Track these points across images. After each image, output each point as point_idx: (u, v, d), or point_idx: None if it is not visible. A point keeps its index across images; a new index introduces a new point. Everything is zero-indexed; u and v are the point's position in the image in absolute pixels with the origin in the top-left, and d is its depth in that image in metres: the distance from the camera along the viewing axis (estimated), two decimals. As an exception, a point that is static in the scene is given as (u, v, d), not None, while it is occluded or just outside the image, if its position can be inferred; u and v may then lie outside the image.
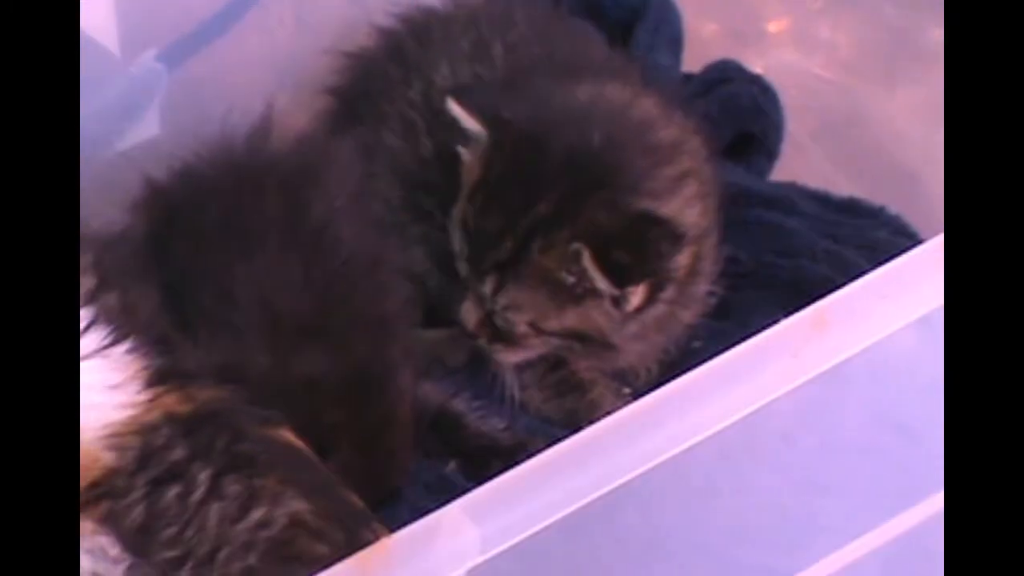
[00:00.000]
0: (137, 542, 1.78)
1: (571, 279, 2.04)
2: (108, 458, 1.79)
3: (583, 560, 1.63)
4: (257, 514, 1.81)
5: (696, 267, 2.11)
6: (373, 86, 2.22)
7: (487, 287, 2.06)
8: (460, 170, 2.05)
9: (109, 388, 1.83)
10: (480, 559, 1.49)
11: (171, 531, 1.79)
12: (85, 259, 1.90)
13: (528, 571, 1.58)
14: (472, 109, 2.04)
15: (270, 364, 2.02)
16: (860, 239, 2.20)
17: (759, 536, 1.77)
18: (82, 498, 1.74)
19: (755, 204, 2.31)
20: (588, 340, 2.08)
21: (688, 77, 2.49)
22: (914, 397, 1.76)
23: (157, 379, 1.86)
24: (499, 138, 2.07)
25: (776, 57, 2.44)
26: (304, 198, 2.13)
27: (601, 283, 2.03)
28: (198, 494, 1.81)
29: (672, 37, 2.44)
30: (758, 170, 2.44)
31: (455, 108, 2.01)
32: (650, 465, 1.55)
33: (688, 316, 2.14)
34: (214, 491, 1.81)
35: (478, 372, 2.11)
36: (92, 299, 1.90)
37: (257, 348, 2.02)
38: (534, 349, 2.09)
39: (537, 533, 1.51)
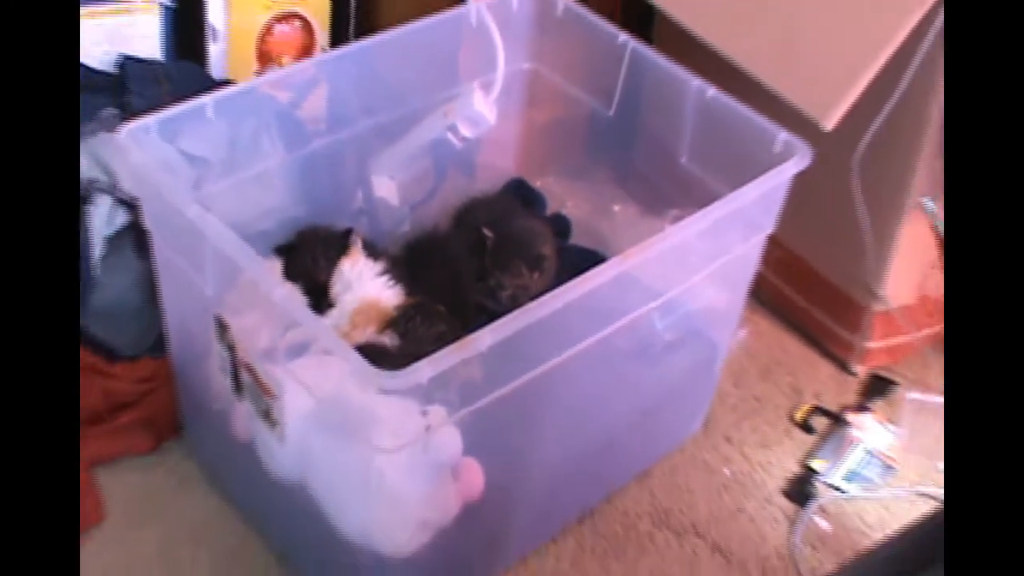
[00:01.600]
0: (400, 336, 1.92)
1: (524, 270, 2.11)
2: (393, 312, 1.96)
3: (534, 344, 1.68)
4: (434, 329, 1.94)
5: (550, 266, 2.15)
6: (466, 216, 2.23)
7: (499, 274, 2.11)
8: (487, 245, 2.11)
9: (394, 295, 1.99)
10: (489, 343, 1.58)
11: (409, 333, 1.92)
12: (385, 261, 2.04)
13: (507, 350, 1.61)
14: (488, 229, 2.13)
15: (440, 293, 2.05)
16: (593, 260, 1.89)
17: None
18: (383, 325, 1.95)
19: (566, 251, 2.25)
20: (526, 286, 2.11)
21: (550, 216, 2.37)
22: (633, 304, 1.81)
23: (406, 293, 1.99)
24: (496, 237, 2.12)
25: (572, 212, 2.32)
26: (449, 244, 2.16)
27: (526, 271, 2.10)
28: (417, 323, 1.94)
29: (543, 205, 2.38)
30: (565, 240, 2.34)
31: (485, 230, 2.11)
32: (558, 307, 1.62)
33: (548, 279, 2.12)
34: (422, 324, 1.95)
35: (495, 294, 2.11)
36: (386, 272, 2.00)
37: (437, 289, 2.06)
38: (512, 289, 2.10)
39: (509, 336, 1.60)
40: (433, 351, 1.56)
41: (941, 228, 1.31)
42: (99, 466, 2.01)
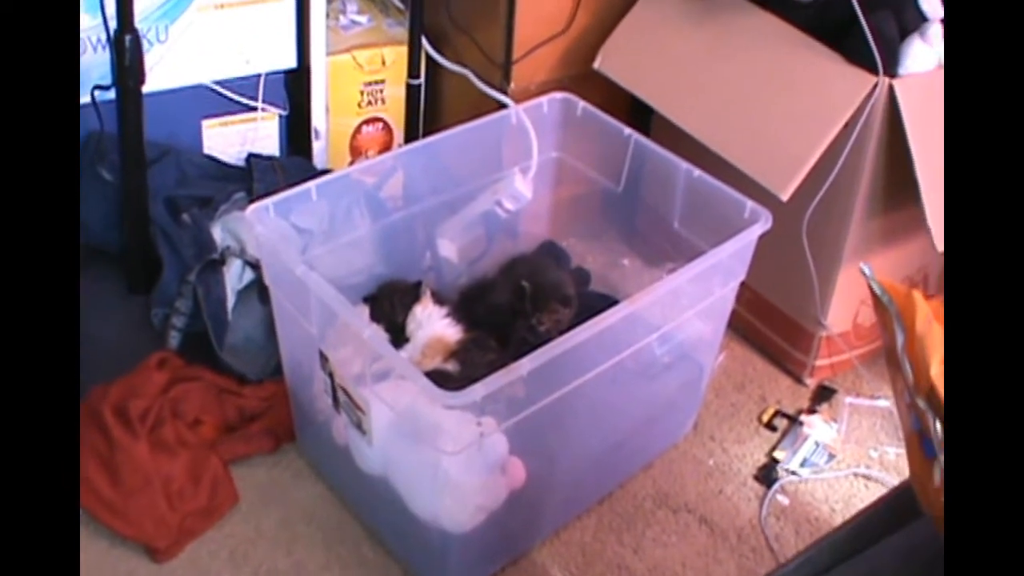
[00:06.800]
0: (460, 363, 1.84)
1: (558, 307, 1.96)
2: (455, 345, 1.88)
3: (563, 368, 1.60)
4: (487, 357, 1.85)
5: (575, 303, 2.00)
6: (511, 269, 2.09)
7: (539, 313, 1.96)
8: (527, 293, 1.96)
9: (456, 332, 1.90)
10: (529, 368, 1.53)
11: (468, 361, 1.84)
12: (448, 306, 1.95)
13: (542, 373, 1.56)
14: (527, 281, 1.98)
15: (490, 329, 1.95)
16: (607, 303, 1.85)
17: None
18: (447, 355, 1.85)
19: (586, 296, 2.15)
20: (560, 319, 1.95)
21: (574, 269, 2.24)
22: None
23: (465, 330, 1.90)
24: (534, 286, 1.96)
25: (590, 265, 2.25)
26: (496, 292, 2.02)
27: (561, 308, 1.97)
28: (473, 353, 1.86)
29: (569, 261, 2.24)
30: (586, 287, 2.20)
31: (524, 283, 1.96)
32: (581, 339, 1.57)
33: (574, 313, 1.97)
34: (477, 353, 1.86)
35: (535, 329, 1.94)
36: (449, 315, 1.94)
37: (488, 326, 1.96)
38: (549, 324, 1.95)
39: (544, 363, 1.56)
40: (486, 375, 1.52)
41: (875, 286, 1.23)
42: (235, 463, 1.97)
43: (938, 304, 1.20)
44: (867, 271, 1.29)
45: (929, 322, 1.19)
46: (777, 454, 2.12)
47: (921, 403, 1.17)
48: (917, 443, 1.24)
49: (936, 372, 1.15)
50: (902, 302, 1.22)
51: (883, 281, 1.25)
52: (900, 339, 1.21)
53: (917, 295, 1.22)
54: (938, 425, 1.13)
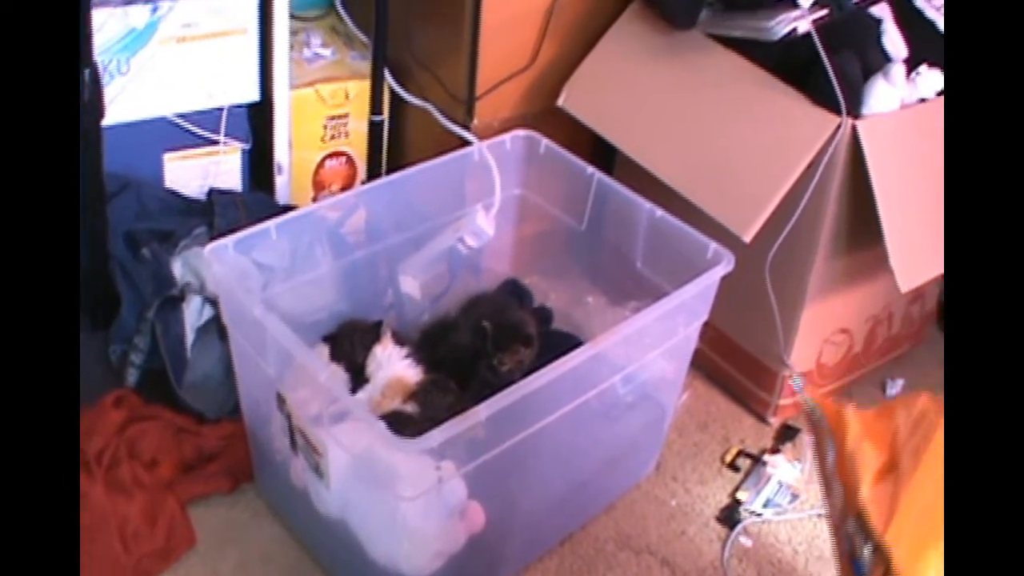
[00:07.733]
0: (420, 405, 1.80)
1: (520, 348, 1.93)
2: (415, 387, 1.84)
3: (525, 412, 1.60)
4: (447, 399, 1.81)
5: (537, 342, 1.97)
6: (472, 308, 2.07)
7: (500, 354, 1.93)
8: (488, 333, 1.93)
9: (416, 374, 1.87)
10: (487, 414, 1.53)
11: (427, 403, 1.81)
12: (409, 346, 1.91)
13: (503, 417, 1.56)
14: (488, 321, 1.96)
15: (451, 369, 1.92)
16: (570, 343, 1.92)
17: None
18: (407, 396, 1.80)
19: (549, 335, 2.08)
20: (522, 360, 1.93)
21: (536, 307, 2.22)
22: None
23: (425, 371, 1.87)
24: (495, 326, 1.94)
25: (553, 303, 2.20)
26: (457, 331, 2.00)
27: (523, 348, 1.94)
28: (433, 395, 1.84)
29: (531, 299, 2.21)
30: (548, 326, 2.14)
31: (484, 323, 1.93)
32: (543, 382, 1.58)
33: (535, 352, 1.96)
34: (437, 395, 1.83)
35: (497, 370, 1.91)
36: (409, 355, 1.90)
37: (448, 366, 1.93)
38: (511, 364, 1.93)
39: (504, 407, 1.55)
40: (446, 418, 1.51)
41: (806, 401, 1.21)
42: (192, 503, 1.94)
43: (872, 417, 1.18)
44: (797, 386, 1.27)
45: (859, 440, 1.17)
46: (740, 495, 2.11)
47: (850, 526, 1.14)
48: (848, 565, 1.21)
49: (865, 494, 1.13)
50: (833, 419, 1.20)
51: (815, 396, 1.23)
52: (831, 457, 1.18)
53: (849, 411, 1.19)
54: (867, 549, 1.11)
